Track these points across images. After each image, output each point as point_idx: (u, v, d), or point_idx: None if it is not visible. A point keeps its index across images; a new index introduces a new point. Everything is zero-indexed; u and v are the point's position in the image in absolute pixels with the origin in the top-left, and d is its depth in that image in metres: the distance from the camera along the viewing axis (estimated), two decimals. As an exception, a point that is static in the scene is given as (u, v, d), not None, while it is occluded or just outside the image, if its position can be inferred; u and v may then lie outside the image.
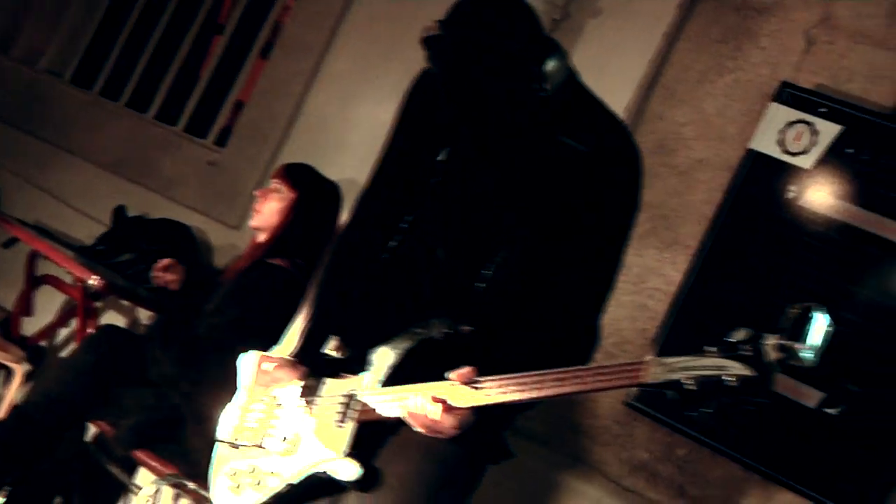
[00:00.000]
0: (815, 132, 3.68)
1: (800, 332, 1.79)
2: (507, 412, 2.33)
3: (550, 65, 2.29)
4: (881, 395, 3.44)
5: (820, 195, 3.63)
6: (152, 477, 3.77)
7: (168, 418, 3.78)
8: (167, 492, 4.05)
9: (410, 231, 2.69)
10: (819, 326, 1.80)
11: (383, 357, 2.55)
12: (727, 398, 1.83)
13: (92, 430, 4.16)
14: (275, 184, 4.17)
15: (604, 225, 2.46)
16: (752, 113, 3.82)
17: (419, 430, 2.34)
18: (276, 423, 2.70)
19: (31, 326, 5.10)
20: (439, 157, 2.56)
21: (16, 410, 3.98)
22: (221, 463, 2.77)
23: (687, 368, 1.87)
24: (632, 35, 4.13)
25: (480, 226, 2.54)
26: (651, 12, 4.10)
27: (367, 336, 2.62)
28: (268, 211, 4.12)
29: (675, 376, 1.88)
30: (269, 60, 5.32)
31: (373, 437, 2.52)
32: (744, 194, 3.75)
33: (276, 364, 2.69)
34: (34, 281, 5.04)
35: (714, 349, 1.86)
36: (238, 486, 2.68)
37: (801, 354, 1.79)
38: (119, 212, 5.08)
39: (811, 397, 3.50)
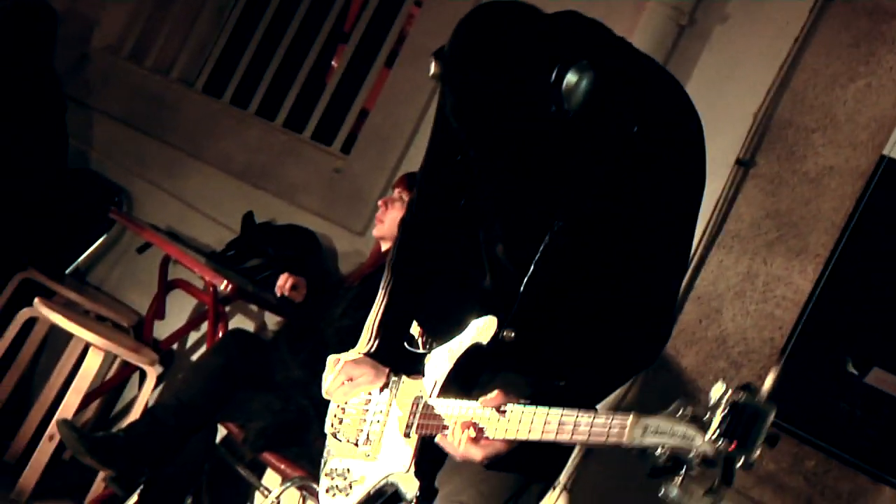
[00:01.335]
0: (951, 138, 3.59)
1: (735, 429, 1.77)
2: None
3: (571, 81, 2.05)
4: None
5: (956, 203, 3.54)
6: (279, 479, 3.84)
7: (295, 421, 3.84)
8: (293, 493, 4.11)
9: (477, 224, 2.60)
10: (761, 422, 1.79)
11: (440, 363, 2.51)
12: (691, 472, 1.82)
13: (221, 432, 4.25)
14: (397, 193, 4.21)
15: (659, 211, 2.27)
16: (884, 119, 3.73)
17: (455, 457, 2.30)
18: (367, 418, 2.69)
19: (163, 330, 5.22)
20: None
21: (148, 412, 4.08)
22: (327, 457, 2.78)
23: (661, 432, 1.85)
24: (760, 40, 4.08)
25: (526, 221, 2.42)
26: (780, 17, 4.04)
27: (441, 329, 2.59)
28: (391, 220, 4.15)
29: (649, 441, 1.86)
30: (393, 69, 5.36)
31: (437, 449, 2.44)
32: (875, 202, 3.66)
33: (353, 366, 2.64)
34: (166, 285, 5.17)
35: (686, 412, 1.83)
36: (332, 489, 2.69)
37: (740, 453, 1.78)
38: (248, 218, 5.18)
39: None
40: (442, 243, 2.73)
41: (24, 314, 4.83)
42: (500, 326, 2.40)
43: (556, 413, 2.09)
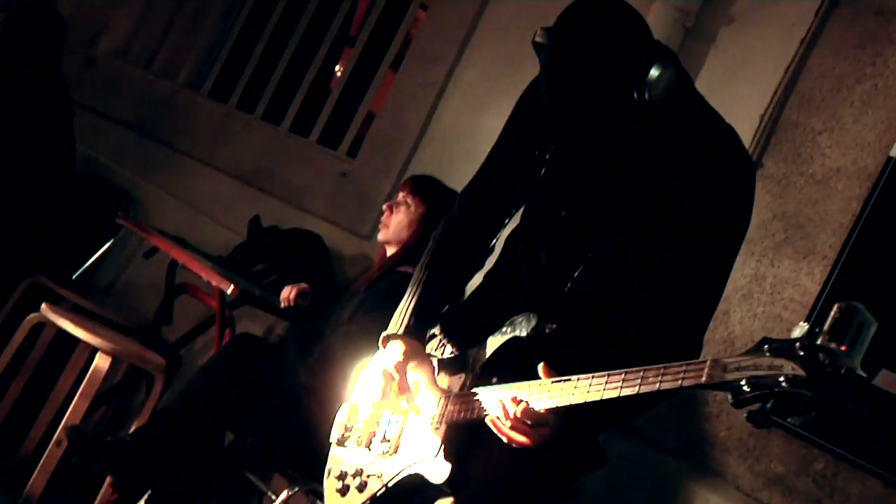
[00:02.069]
0: (959, 139, 3.58)
1: (845, 334, 1.79)
2: (591, 417, 2.30)
3: (654, 74, 2.28)
4: None
5: (964, 204, 3.53)
6: (287, 483, 3.84)
7: (303, 426, 3.83)
8: (300, 499, 4.11)
9: (522, 229, 2.75)
10: (867, 331, 1.80)
11: (476, 357, 2.58)
12: (779, 399, 1.83)
13: (228, 436, 4.24)
14: (402, 197, 4.20)
15: (704, 238, 2.42)
16: (891, 120, 3.72)
17: (503, 438, 2.35)
18: (381, 422, 2.73)
19: (170, 334, 5.22)
20: (546, 156, 2.58)
21: (155, 416, 4.08)
22: (333, 465, 2.81)
23: (742, 368, 1.88)
24: (766, 42, 4.07)
25: (578, 227, 2.55)
26: (786, 18, 4.03)
27: (470, 329, 2.70)
28: (396, 225, 4.14)
29: (731, 377, 1.89)
30: (399, 72, 5.37)
31: (465, 438, 2.54)
32: (883, 203, 3.65)
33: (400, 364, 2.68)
34: (173, 290, 5.17)
35: (770, 347, 1.86)
36: (344, 489, 2.71)
37: (847, 360, 1.79)
38: (254, 222, 5.18)
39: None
40: (480, 250, 2.89)
41: (31, 319, 4.83)
42: (542, 319, 2.51)
43: (616, 371, 2.12)
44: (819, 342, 1.79)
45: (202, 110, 6.05)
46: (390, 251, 4.22)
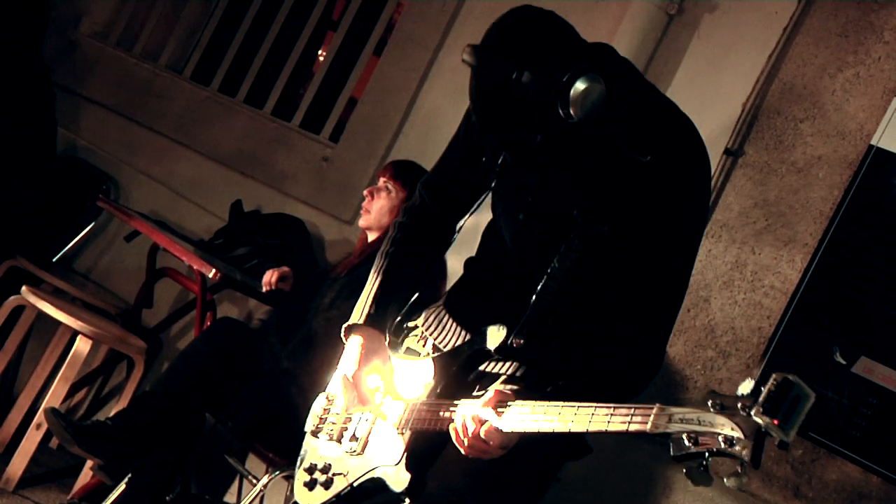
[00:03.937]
0: (939, 128, 3.59)
1: (779, 407, 1.77)
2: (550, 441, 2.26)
3: (577, 90, 2.16)
4: None
5: (944, 193, 3.54)
6: (267, 467, 3.84)
7: (283, 410, 3.83)
8: (280, 482, 4.11)
9: (494, 229, 2.70)
10: (802, 404, 1.79)
11: (445, 365, 2.55)
12: (716, 456, 1.84)
13: (209, 420, 4.24)
14: (383, 182, 4.20)
15: (663, 243, 2.38)
16: (873, 109, 3.74)
17: (462, 451, 2.33)
18: (353, 418, 2.71)
19: (151, 318, 5.21)
20: (499, 161, 2.53)
21: (136, 400, 4.08)
22: (304, 455, 2.80)
23: (685, 421, 1.87)
24: (749, 29, 4.08)
25: (537, 232, 2.52)
26: (769, 7, 4.04)
27: (452, 326, 2.66)
28: (377, 210, 4.14)
29: (673, 429, 1.88)
30: (382, 57, 5.35)
31: (431, 446, 2.51)
32: (863, 191, 3.66)
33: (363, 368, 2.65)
34: (154, 274, 5.15)
35: (714, 402, 1.84)
36: (311, 483, 2.70)
37: (779, 432, 1.78)
38: (236, 206, 5.16)
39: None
40: (441, 238, 2.85)
41: (11, 302, 4.82)
42: (510, 333, 2.44)
43: (571, 404, 2.11)
44: (753, 413, 1.78)
45: (184, 93, 6.01)
46: (371, 236, 4.22)
